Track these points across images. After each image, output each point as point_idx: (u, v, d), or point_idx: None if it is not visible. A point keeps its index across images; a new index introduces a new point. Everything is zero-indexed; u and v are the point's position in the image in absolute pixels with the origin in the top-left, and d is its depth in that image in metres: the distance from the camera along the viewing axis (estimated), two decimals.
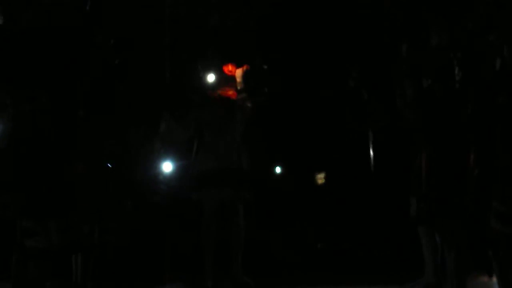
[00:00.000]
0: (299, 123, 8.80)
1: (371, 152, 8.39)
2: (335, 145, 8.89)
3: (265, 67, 6.77)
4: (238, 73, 6.52)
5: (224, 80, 6.46)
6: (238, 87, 6.47)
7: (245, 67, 6.51)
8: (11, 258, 4.67)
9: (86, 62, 4.83)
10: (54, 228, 4.50)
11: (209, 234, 6.41)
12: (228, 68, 6.50)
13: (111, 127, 5.81)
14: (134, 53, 7.26)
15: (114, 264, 6.90)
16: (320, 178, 8.91)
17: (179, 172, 7.49)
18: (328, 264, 7.72)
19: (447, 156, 5.38)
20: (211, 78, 6.40)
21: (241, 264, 6.45)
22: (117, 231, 6.80)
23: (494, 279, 5.58)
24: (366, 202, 8.33)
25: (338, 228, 8.16)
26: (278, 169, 8.87)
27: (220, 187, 6.35)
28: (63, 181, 4.53)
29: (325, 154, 8.95)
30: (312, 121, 8.81)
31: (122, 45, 6.09)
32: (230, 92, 6.46)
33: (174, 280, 6.94)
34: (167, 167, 7.18)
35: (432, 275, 5.85)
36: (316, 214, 8.20)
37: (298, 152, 8.93)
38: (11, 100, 4.51)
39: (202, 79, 6.46)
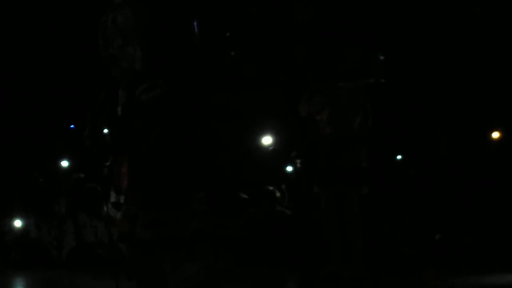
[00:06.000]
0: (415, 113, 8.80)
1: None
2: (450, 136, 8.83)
3: (382, 57, 6.75)
4: None
5: None
6: None
7: None
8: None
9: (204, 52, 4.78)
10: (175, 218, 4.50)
11: (331, 223, 6.47)
12: None
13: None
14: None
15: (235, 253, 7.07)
16: None
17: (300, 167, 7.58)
18: (446, 255, 7.65)
19: None
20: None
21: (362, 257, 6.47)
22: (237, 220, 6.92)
23: None
24: (481, 192, 8.22)
25: (456, 219, 8.06)
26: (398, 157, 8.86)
27: (337, 183, 6.40)
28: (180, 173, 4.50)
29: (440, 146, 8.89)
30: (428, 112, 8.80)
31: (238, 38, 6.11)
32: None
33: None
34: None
35: None
36: (433, 205, 8.12)
37: (415, 143, 8.92)
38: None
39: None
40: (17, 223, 7.71)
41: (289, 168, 8.41)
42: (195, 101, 4.59)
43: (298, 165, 8.08)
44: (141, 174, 4.41)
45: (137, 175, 4.45)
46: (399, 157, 8.90)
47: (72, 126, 8.78)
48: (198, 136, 4.68)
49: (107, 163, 7.38)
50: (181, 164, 4.43)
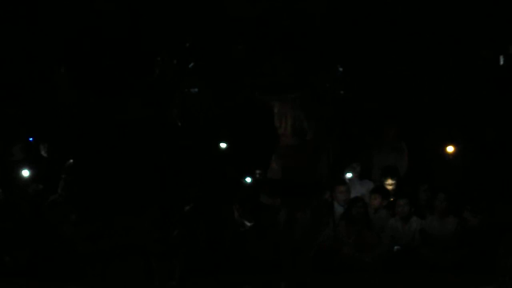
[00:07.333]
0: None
1: None
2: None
3: (341, 69, 6.83)
4: None
5: None
6: None
7: None
8: None
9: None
10: None
11: (285, 237, 6.44)
12: None
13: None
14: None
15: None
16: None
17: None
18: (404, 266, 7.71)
19: None
20: None
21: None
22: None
23: None
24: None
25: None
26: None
27: (291, 195, 6.37)
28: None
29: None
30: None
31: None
32: None
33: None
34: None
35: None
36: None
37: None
38: None
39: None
40: None
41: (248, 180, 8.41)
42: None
43: (257, 176, 8.13)
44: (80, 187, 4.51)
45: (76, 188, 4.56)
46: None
47: (30, 138, 8.76)
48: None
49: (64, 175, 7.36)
50: (115, 176, 4.51)
